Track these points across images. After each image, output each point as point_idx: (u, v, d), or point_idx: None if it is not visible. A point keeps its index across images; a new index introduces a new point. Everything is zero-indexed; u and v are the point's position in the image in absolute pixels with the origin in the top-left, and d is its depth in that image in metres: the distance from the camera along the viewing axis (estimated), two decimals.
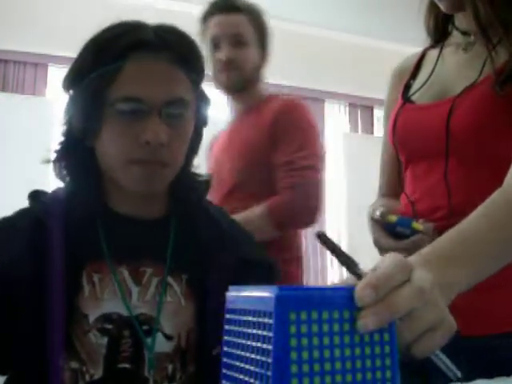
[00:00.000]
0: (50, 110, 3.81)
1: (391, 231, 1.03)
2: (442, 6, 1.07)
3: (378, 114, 5.42)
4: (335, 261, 5.30)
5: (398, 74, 1.23)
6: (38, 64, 4.48)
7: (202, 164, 0.98)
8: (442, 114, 1.02)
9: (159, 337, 0.82)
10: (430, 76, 1.10)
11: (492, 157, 0.99)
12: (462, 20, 1.08)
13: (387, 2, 4.34)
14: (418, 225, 1.00)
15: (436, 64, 1.10)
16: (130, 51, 0.83)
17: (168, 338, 0.83)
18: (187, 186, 0.94)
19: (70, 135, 0.90)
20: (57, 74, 4.36)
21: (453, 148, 1.01)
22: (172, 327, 0.83)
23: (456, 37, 1.10)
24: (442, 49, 1.11)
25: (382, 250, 1.06)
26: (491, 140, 0.99)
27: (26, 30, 4.15)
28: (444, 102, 1.03)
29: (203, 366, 0.83)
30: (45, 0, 4.26)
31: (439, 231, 0.92)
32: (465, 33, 1.08)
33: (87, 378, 0.77)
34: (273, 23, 4.97)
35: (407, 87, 1.15)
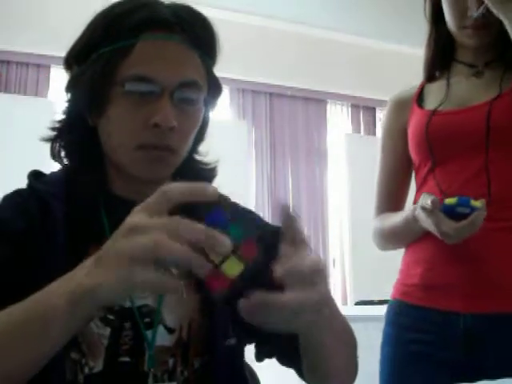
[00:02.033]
0: (52, 111, 3.81)
1: (449, 213, 1.13)
2: (471, 42, 1.27)
3: (381, 115, 5.42)
4: (337, 260, 5.26)
5: (398, 103, 1.40)
6: (40, 65, 4.49)
7: (209, 151, 0.93)
8: (479, 115, 1.22)
9: (160, 330, 0.79)
10: (445, 95, 1.30)
11: None
12: (469, 55, 1.31)
13: (390, 3, 4.34)
14: (476, 202, 1.11)
15: (448, 88, 1.31)
16: (143, 28, 0.78)
17: (170, 330, 0.80)
18: (192, 173, 0.88)
19: (72, 113, 0.84)
20: (59, 76, 4.38)
21: (492, 142, 1.20)
22: (174, 319, 0.80)
23: (459, 68, 1.33)
24: (448, 78, 1.34)
25: (443, 233, 1.14)
26: None
27: (29, 31, 4.16)
28: (478, 106, 1.24)
29: (212, 358, 0.80)
30: (48, 1, 4.27)
31: None
32: (471, 65, 1.31)
33: (86, 370, 0.74)
34: (275, 24, 4.94)
35: (419, 107, 1.34)
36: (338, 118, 5.58)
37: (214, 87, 0.87)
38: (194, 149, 0.89)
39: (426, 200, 1.14)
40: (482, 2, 1.19)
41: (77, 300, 0.56)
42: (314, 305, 0.58)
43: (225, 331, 0.82)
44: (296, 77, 5.11)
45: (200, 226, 0.54)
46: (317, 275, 0.58)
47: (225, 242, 0.53)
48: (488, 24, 1.23)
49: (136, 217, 0.55)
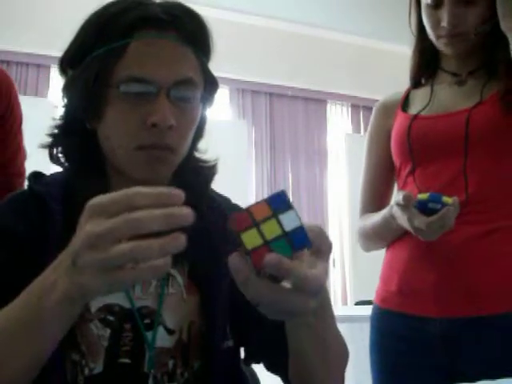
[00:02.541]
0: (52, 111, 3.81)
1: (422, 209, 1.15)
2: (448, 49, 1.30)
3: None
4: (337, 260, 5.24)
5: (384, 108, 1.46)
6: (40, 65, 4.49)
7: (208, 149, 0.92)
8: (459, 121, 1.25)
9: (161, 331, 0.79)
10: (429, 101, 1.34)
11: (503, 153, 1.24)
12: (452, 64, 1.35)
13: (390, 3, 4.34)
14: (447, 198, 1.14)
15: (431, 94, 1.36)
16: (136, 27, 0.78)
17: (170, 332, 0.79)
18: (192, 172, 0.88)
19: (69, 117, 0.84)
20: (59, 76, 4.37)
21: (471, 147, 1.23)
22: (174, 321, 0.80)
23: (443, 76, 1.37)
24: (432, 85, 1.37)
25: (416, 228, 1.15)
26: (502, 140, 1.24)
27: (29, 31, 4.16)
28: (458, 113, 1.27)
29: (210, 360, 0.80)
30: (48, 1, 4.27)
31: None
32: (454, 74, 1.34)
33: (86, 371, 0.74)
34: (276, 25, 4.94)
35: (403, 111, 1.39)
36: (338, 118, 5.58)
37: (210, 83, 0.86)
38: (193, 146, 0.88)
39: (400, 196, 1.16)
40: (452, 13, 1.24)
41: (62, 303, 0.55)
42: (297, 309, 0.55)
43: (223, 333, 0.82)
44: (296, 77, 5.11)
45: (161, 211, 0.51)
46: (316, 287, 0.54)
47: (188, 214, 0.51)
48: (461, 32, 1.26)
49: (95, 225, 0.53)
